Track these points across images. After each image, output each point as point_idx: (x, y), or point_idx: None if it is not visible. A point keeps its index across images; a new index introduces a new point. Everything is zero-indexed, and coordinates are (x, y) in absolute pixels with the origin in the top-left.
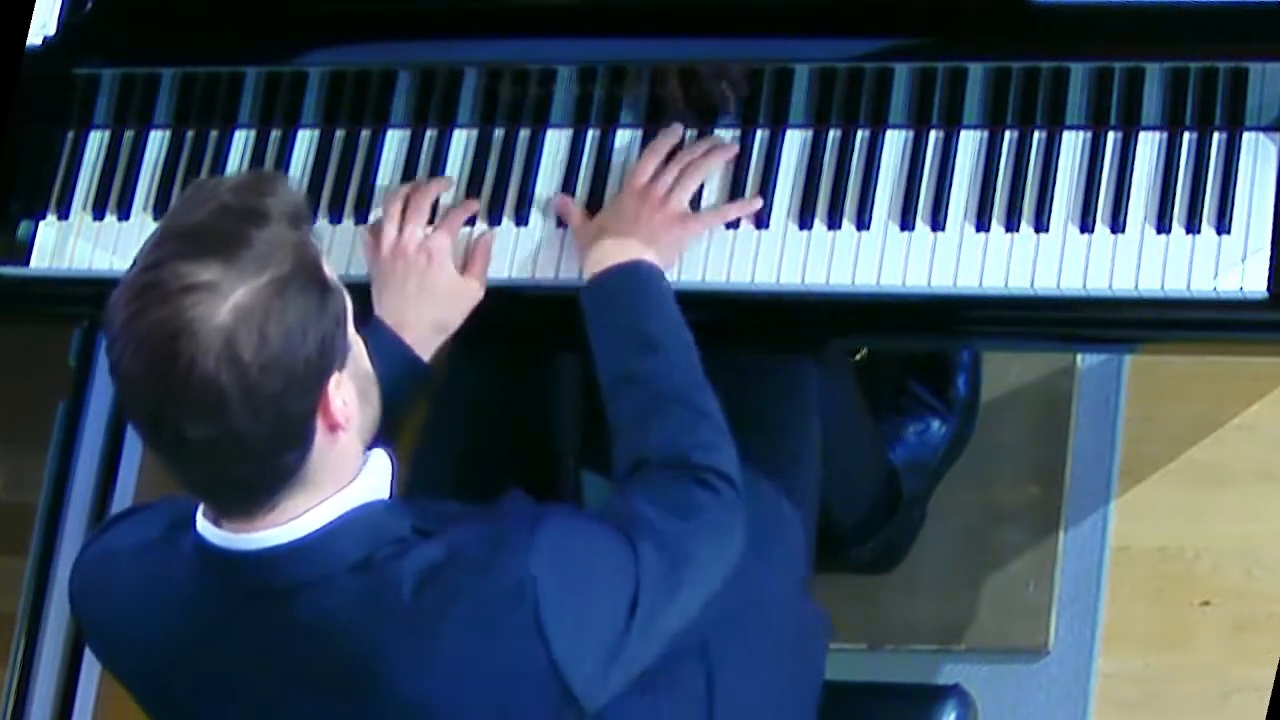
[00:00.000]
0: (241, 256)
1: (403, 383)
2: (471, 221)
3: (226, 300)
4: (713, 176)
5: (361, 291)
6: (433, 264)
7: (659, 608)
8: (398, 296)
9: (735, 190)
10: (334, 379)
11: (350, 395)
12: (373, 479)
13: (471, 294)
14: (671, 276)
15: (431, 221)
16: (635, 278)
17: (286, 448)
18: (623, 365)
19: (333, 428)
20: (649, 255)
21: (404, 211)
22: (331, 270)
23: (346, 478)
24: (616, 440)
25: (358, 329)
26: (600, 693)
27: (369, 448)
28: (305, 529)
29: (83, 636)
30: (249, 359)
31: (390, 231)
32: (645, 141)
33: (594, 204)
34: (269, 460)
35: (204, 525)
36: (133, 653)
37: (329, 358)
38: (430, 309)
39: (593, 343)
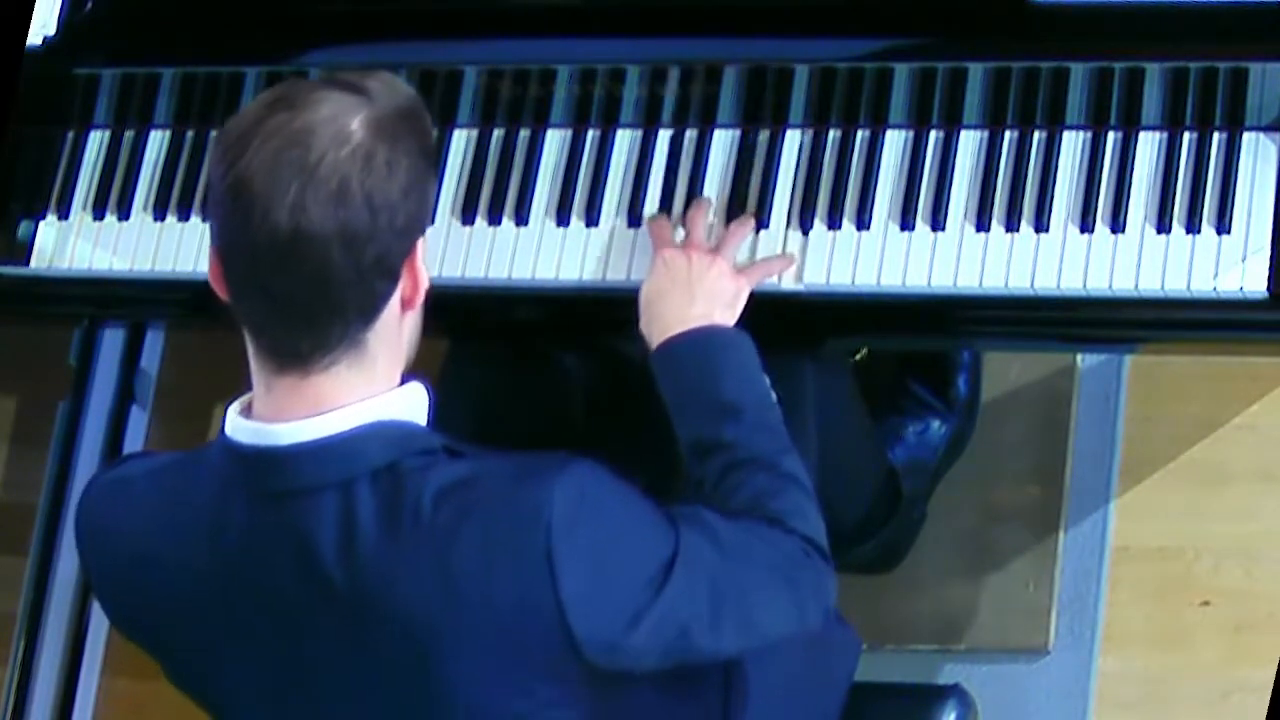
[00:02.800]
0: (371, 94)
1: None
2: (471, 220)
3: (359, 113)
4: (713, 177)
5: None
6: None
7: (692, 597)
8: None
9: (735, 190)
10: (421, 243)
11: (423, 277)
12: (412, 399)
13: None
14: None
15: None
16: (711, 341)
17: (379, 273)
18: (702, 432)
19: (407, 300)
20: (718, 315)
21: None
22: None
23: (391, 378)
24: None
25: None
26: (611, 654)
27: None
28: (336, 426)
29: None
30: (379, 160)
31: None
32: (645, 141)
33: (594, 203)
34: (364, 277)
35: (234, 422)
36: (145, 585)
37: (427, 214)
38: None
39: (670, 408)
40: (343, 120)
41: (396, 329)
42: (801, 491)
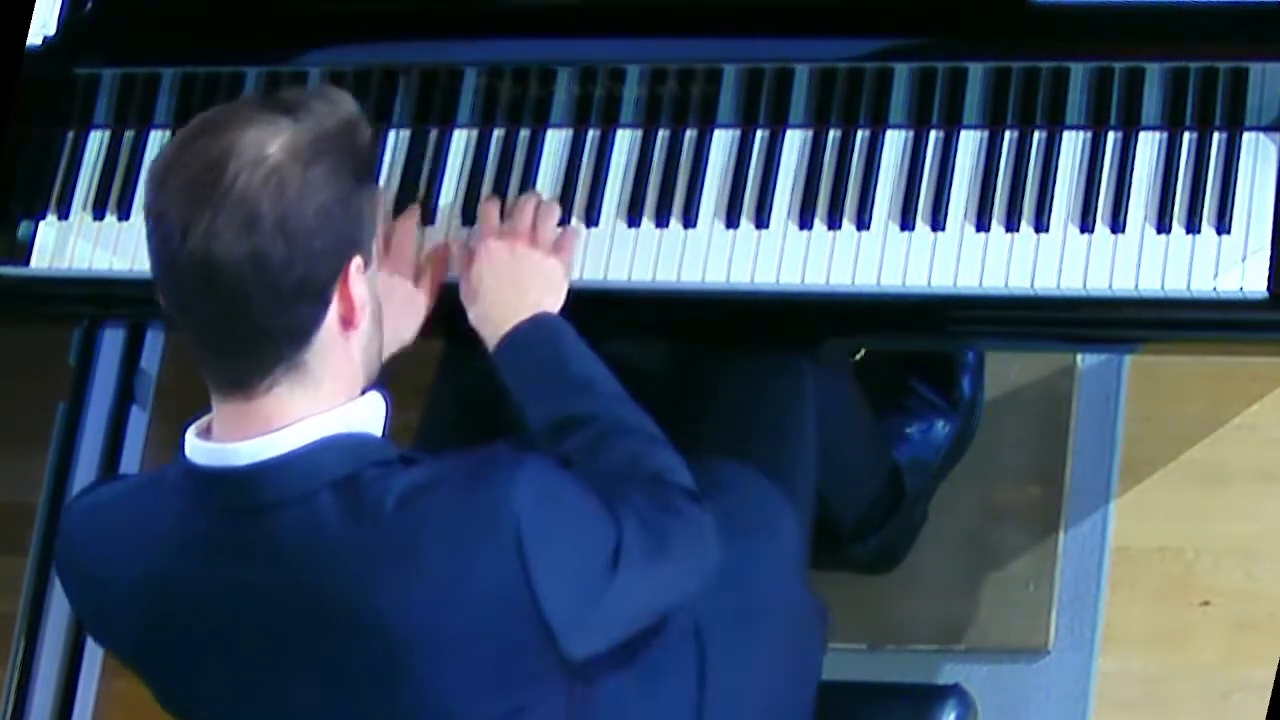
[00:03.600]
0: (300, 115)
1: None
2: (471, 220)
3: (282, 135)
4: (713, 176)
5: None
6: (393, 277)
7: (641, 571)
8: None
9: (736, 190)
10: (356, 262)
11: (365, 297)
12: (366, 411)
13: (418, 308)
14: (671, 276)
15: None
16: (544, 329)
17: (301, 297)
18: (562, 410)
19: (345, 321)
20: (548, 300)
21: None
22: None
23: (341, 395)
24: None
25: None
26: (580, 639)
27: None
28: (294, 442)
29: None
30: (292, 186)
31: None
32: (645, 141)
33: (593, 203)
34: (283, 304)
35: (192, 444)
36: (124, 603)
37: (361, 230)
38: (390, 321)
39: (519, 399)
40: (261, 144)
41: (340, 348)
42: (663, 446)
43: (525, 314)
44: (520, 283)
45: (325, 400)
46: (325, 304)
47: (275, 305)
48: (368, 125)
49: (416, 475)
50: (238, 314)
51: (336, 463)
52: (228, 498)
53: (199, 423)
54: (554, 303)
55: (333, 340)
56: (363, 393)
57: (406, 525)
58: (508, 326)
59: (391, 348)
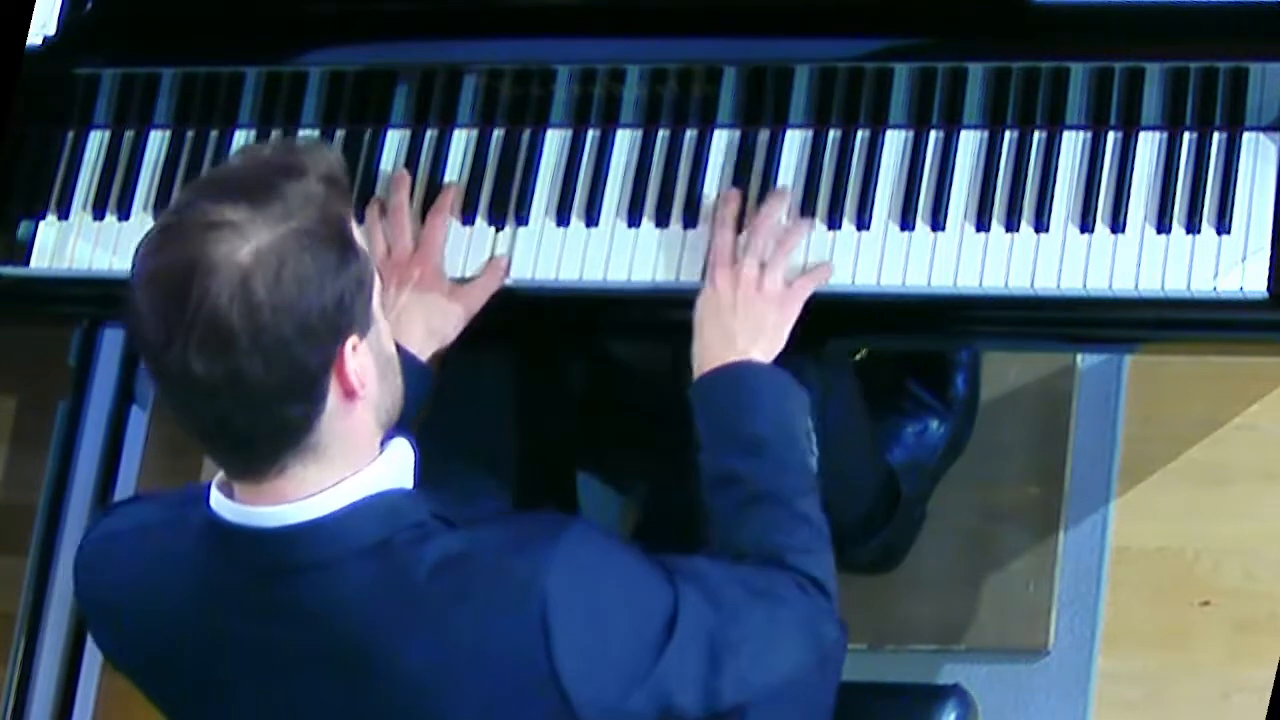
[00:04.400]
0: (269, 203)
1: (408, 385)
2: (471, 220)
3: (248, 242)
4: (713, 177)
5: None
6: (425, 274)
7: (704, 653)
8: (392, 312)
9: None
10: (351, 342)
11: (368, 365)
12: (394, 465)
13: (467, 304)
14: (670, 277)
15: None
16: (742, 378)
17: (292, 400)
18: (725, 464)
19: (348, 394)
20: (756, 351)
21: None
22: (360, 237)
23: (363, 458)
24: (712, 536)
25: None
26: (609, 717)
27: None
28: (323, 508)
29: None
30: (261, 300)
31: (380, 243)
32: (645, 142)
33: (593, 203)
34: (272, 409)
35: (217, 499)
36: (135, 635)
37: (347, 316)
38: (424, 319)
39: (699, 438)
40: (228, 254)
41: (348, 418)
42: (813, 532)
43: (728, 359)
44: (730, 329)
45: (342, 468)
46: (321, 397)
47: (265, 414)
48: (344, 182)
49: (452, 543)
50: (228, 422)
51: (369, 528)
52: (255, 556)
53: (221, 474)
54: (763, 354)
55: (338, 414)
56: (387, 438)
57: (438, 595)
58: (708, 368)
59: (433, 345)
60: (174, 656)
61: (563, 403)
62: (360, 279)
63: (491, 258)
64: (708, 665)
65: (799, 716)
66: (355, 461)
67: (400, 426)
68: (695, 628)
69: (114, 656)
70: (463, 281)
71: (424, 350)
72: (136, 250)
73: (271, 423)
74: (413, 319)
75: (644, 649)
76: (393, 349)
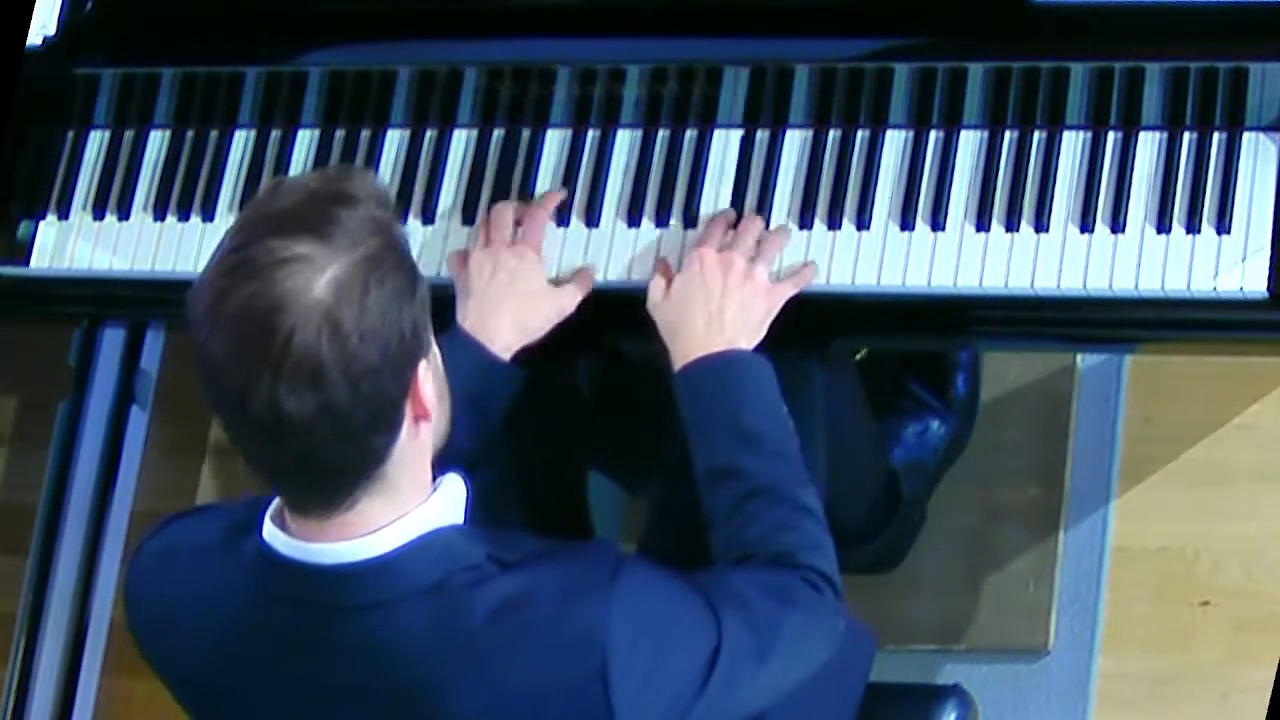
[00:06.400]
0: (333, 234)
1: (491, 385)
2: (472, 220)
3: (323, 274)
4: (713, 177)
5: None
6: (524, 264)
7: (740, 677)
8: (481, 298)
9: (736, 190)
10: (422, 365)
11: (433, 388)
12: (448, 501)
13: (560, 303)
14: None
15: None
16: (732, 367)
17: (378, 429)
18: (720, 458)
19: (419, 417)
20: (743, 339)
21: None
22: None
23: (422, 490)
24: (713, 531)
25: (435, 337)
26: None
27: (439, 473)
28: (380, 548)
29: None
30: (349, 330)
31: (481, 237)
32: (645, 142)
33: (593, 203)
34: (360, 442)
35: (271, 531)
36: (182, 654)
37: (420, 340)
38: (514, 310)
39: (687, 431)
40: (307, 289)
41: (415, 445)
42: (816, 525)
43: (715, 348)
44: (720, 316)
45: (405, 501)
46: (400, 424)
47: (351, 445)
48: (392, 203)
49: (508, 585)
50: (312, 457)
51: (426, 569)
52: (309, 593)
53: (275, 506)
54: (748, 343)
55: (408, 442)
56: (440, 473)
57: (495, 641)
58: (693, 355)
59: (519, 341)
60: (215, 683)
61: (572, 402)
62: (425, 300)
63: (584, 268)
64: (742, 688)
65: (823, 703)
66: (417, 491)
67: (487, 439)
68: (736, 658)
69: (152, 661)
70: (556, 283)
71: (509, 345)
72: (194, 299)
73: (357, 455)
74: (502, 310)
75: (691, 686)
76: (444, 372)
